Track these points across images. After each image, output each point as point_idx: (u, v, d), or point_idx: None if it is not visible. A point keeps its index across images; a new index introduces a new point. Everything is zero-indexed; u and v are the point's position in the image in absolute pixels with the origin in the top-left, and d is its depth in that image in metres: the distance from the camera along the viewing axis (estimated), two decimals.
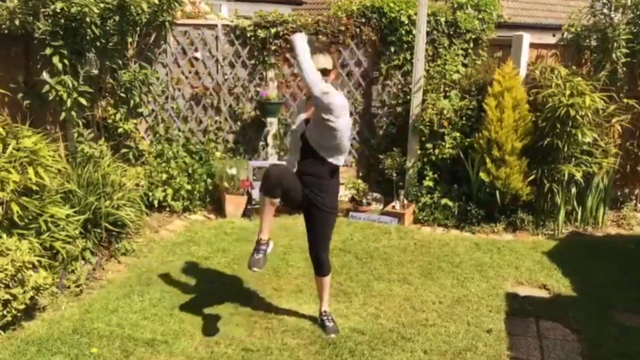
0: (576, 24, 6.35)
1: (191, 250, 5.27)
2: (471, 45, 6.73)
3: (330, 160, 3.56)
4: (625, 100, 6.15)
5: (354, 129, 7.03)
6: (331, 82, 3.57)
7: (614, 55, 6.08)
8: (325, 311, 3.94)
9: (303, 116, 3.71)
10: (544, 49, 6.62)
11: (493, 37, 6.77)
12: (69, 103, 5.18)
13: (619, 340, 3.83)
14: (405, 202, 6.31)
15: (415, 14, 6.35)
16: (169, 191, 6.18)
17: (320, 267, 3.82)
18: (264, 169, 6.31)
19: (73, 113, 5.28)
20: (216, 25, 6.68)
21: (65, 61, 5.14)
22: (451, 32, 6.66)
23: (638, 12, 6.12)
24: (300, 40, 3.38)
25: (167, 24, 6.25)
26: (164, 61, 6.57)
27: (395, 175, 6.45)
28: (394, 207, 6.29)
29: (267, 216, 3.60)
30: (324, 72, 3.48)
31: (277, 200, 3.56)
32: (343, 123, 3.45)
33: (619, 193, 6.62)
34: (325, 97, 3.31)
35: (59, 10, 4.94)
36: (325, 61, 3.53)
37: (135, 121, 6.21)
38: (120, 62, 5.86)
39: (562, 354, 3.67)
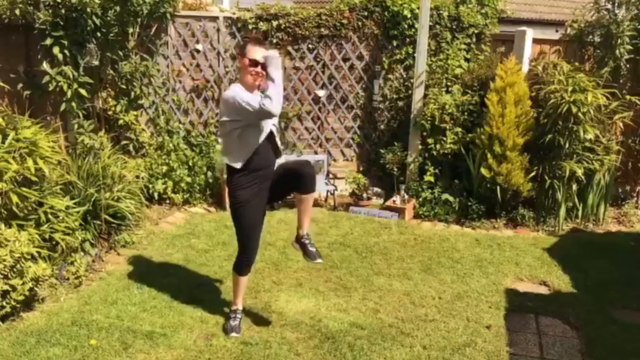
0: (580, 19, 6.31)
1: (191, 243, 5.26)
2: (474, 40, 6.69)
3: None
4: (627, 97, 6.12)
5: (355, 123, 7.02)
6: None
7: (617, 52, 6.05)
8: (307, 234, 3.75)
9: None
10: (547, 44, 6.59)
11: (496, 32, 6.74)
12: (69, 94, 5.16)
13: (618, 337, 3.82)
14: (406, 197, 6.29)
15: (418, 8, 6.32)
16: (169, 183, 6.17)
17: (312, 180, 3.58)
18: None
19: (73, 104, 5.27)
20: (218, 17, 6.64)
21: (66, 52, 5.12)
22: (454, 27, 6.63)
23: None
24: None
25: (168, 15, 6.22)
26: (165, 53, 6.53)
27: (396, 170, 6.43)
28: (394, 201, 6.28)
29: (244, 288, 3.85)
30: (264, 66, 3.40)
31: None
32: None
33: (620, 190, 6.60)
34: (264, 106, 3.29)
35: (59, 0, 4.92)
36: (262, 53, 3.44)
37: (135, 113, 6.19)
38: (121, 53, 5.84)
39: (562, 351, 3.67)
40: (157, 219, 5.86)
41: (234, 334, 3.67)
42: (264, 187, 3.61)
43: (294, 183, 3.62)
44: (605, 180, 6.07)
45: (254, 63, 3.41)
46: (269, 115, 3.33)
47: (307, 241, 3.73)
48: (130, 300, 4.09)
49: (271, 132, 3.57)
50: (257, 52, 3.41)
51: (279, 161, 3.71)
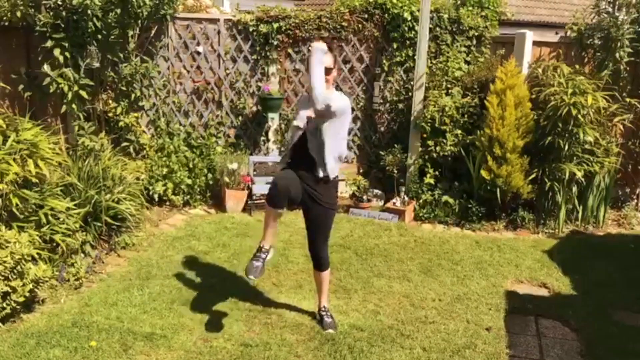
0: (580, 22, 6.32)
1: (191, 245, 5.26)
2: (474, 42, 6.70)
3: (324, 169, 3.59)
4: (627, 99, 6.13)
5: (355, 125, 7.03)
6: (332, 80, 3.58)
7: (617, 55, 6.05)
8: (324, 306, 3.93)
9: (307, 113, 3.63)
10: (547, 47, 6.59)
11: (496, 35, 6.75)
12: (69, 96, 5.17)
13: (619, 339, 3.83)
14: (406, 199, 6.30)
15: (418, 11, 6.33)
16: (170, 185, 6.18)
17: (320, 262, 3.82)
18: (264, 164, 6.40)
19: (74, 106, 5.27)
20: (218, 20, 6.66)
21: (67, 54, 5.13)
22: (454, 29, 6.64)
23: None
24: (320, 53, 3.38)
25: (168, 17, 6.23)
26: (165, 55, 6.55)
27: (396, 172, 6.44)
28: (394, 203, 6.28)
29: (271, 226, 3.60)
30: (326, 71, 3.44)
31: (283, 211, 3.60)
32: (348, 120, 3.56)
33: (620, 192, 6.60)
34: (328, 107, 3.38)
35: (60, 3, 4.93)
36: (328, 60, 3.48)
37: (136, 115, 6.20)
38: (121, 55, 5.84)
39: (562, 353, 3.67)
40: (157, 221, 5.87)
41: (251, 276, 3.48)
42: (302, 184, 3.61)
43: (310, 247, 3.86)
44: (605, 182, 6.07)
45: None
46: (314, 101, 3.40)
47: (323, 313, 3.91)
48: (130, 302, 4.09)
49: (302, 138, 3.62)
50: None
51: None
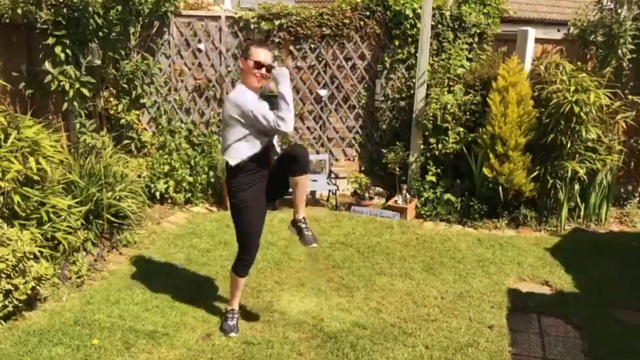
0: (582, 19, 6.30)
1: (193, 243, 5.26)
2: (476, 39, 6.68)
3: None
4: (630, 96, 6.11)
5: (357, 122, 7.01)
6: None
7: (619, 52, 6.04)
8: (303, 218, 3.66)
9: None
10: (549, 44, 6.58)
11: (498, 32, 6.73)
12: (71, 93, 5.16)
13: (621, 337, 3.81)
14: (408, 196, 6.29)
15: (420, 8, 6.32)
16: (171, 183, 6.17)
17: (306, 160, 3.51)
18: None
19: (75, 103, 5.27)
20: (220, 17, 6.64)
21: (68, 51, 5.12)
22: (456, 26, 6.62)
23: None
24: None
25: (169, 14, 6.22)
26: (166, 52, 6.53)
27: (398, 169, 6.43)
28: (396, 201, 6.27)
29: (240, 291, 3.84)
30: (269, 69, 3.46)
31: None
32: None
33: (622, 190, 6.59)
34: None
35: (61, 0, 4.91)
36: (270, 56, 3.53)
37: (137, 112, 6.19)
38: (122, 52, 5.83)
39: (564, 351, 3.66)
40: (158, 219, 5.86)
41: (233, 334, 3.67)
42: (263, 186, 3.60)
43: (287, 167, 3.52)
44: (607, 180, 6.06)
45: (259, 65, 3.43)
46: (282, 134, 3.55)
47: (303, 225, 3.64)
48: (132, 300, 4.08)
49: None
50: (261, 54, 3.44)
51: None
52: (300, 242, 3.67)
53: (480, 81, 6.27)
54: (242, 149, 3.46)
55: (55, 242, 4.30)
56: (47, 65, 5.07)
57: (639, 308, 4.27)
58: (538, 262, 5.03)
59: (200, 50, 6.65)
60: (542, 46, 6.53)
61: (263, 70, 3.45)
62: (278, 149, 3.72)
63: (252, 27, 6.57)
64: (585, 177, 5.86)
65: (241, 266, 3.71)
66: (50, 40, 5.02)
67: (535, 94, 5.93)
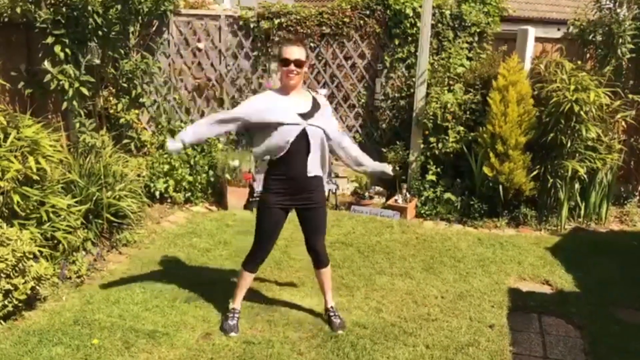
0: (582, 18, 6.30)
1: (193, 242, 5.25)
2: (476, 38, 6.67)
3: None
4: (630, 95, 6.11)
5: (356, 122, 7.01)
6: (303, 76, 3.52)
7: (619, 51, 6.03)
8: (332, 307, 3.87)
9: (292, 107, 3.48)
10: (549, 43, 6.57)
11: (498, 31, 6.72)
12: (70, 93, 5.15)
13: (622, 336, 3.81)
14: (408, 196, 6.28)
15: (420, 7, 6.31)
16: (171, 182, 6.16)
17: (321, 258, 3.77)
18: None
19: (75, 103, 5.26)
20: (219, 16, 6.64)
21: (67, 50, 5.11)
22: (456, 25, 6.61)
23: None
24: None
25: (168, 13, 6.21)
26: (166, 51, 6.53)
27: (398, 168, 6.42)
28: (396, 200, 6.27)
29: (247, 287, 3.81)
30: (299, 64, 3.40)
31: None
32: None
33: (622, 189, 6.58)
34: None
35: None
36: (301, 52, 3.43)
37: (137, 112, 6.18)
38: (122, 51, 5.82)
39: (565, 350, 3.66)
40: (158, 218, 5.86)
41: (233, 334, 3.65)
42: (291, 202, 3.59)
43: (308, 245, 3.77)
44: (607, 179, 6.06)
45: (285, 62, 3.40)
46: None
47: (331, 314, 3.84)
48: (132, 300, 4.08)
49: (301, 139, 3.42)
50: (286, 51, 3.41)
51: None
52: (330, 328, 3.80)
53: (480, 80, 6.26)
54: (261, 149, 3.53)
55: (55, 241, 4.29)
56: (47, 65, 5.06)
57: (639, 307, 4.27)
58: (538, 262, 5.02)
59: (199, 50, 6.65)
60: (542, 45, 6.53)
61: (291, 67, 3.39)
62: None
63: (251, 26, 6.56)
64: (585, 176, 5.85)
65: (248, 259, 3.72)
66: (50, 40, 5.01)
67: (535, 93, 5.93)
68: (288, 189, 3.53)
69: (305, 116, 3.43)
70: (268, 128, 3.39)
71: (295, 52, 3.39)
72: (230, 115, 3.53)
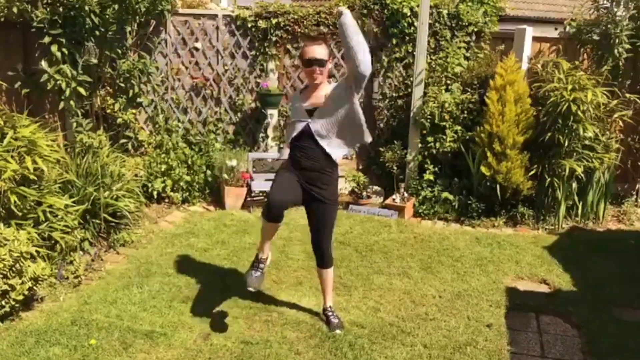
0: (579, 18, 6.31)
1: (190, 242, 5.24)
2: (473, 38, 6.68)
3: (334, 155, 3.52)
4: (627, 95, 6.12)
5: None
6: (327, 73, 3.52)
7: (615, 51, 6.04)
8: (330, 307, 3.88)
9: (304, 105, 3.56)
10: (546, 42, 6.58)
11: (495, 30, 6.73)
12: (67, 92, 5.13)
13: (620, 335, 3.82)
14: (406, 195, 6.28)
15: (418, 6, 6.30)
16: (168, 182, 6.15)
17: (324, 259, 3.77)
18: (263, 161, 6.38)
19: (72, 102, 5.24)
20: (217, 15, 6.62)
21: (64, 50, 5.09)
22: (453, 25, 6.61)
23: None
24: (351, 18, 3.22)
25: (165, 12, 6.19)
26: (163, 51, 6.51)
27: (395, 168, 6.42)
28: (394, 200, 6.27)
29: (268, 236, 3.63)
30: (321, 64, 3.41)
31: (281, 223, 3.57)
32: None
33: (619, 188, 6.60)
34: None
35: None
36: (322, 52, 3.43)
37: (134, 111, 6.16)
38: (119, 51, 5.81)
39: (563, 349, 3.66)
40: (156, 218, 5.84)
41: (250, 288, 3.54)
42: (305, 181, 3.57)
43: (313, 242, 3.77)
44: (605, 178, 6.07)
45: (307, 63, 3.41)
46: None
47: (329, 313, 3.85)
48: (129, 300, 4.07)
49: (306, 133, 3.50)
50: (307, 52, 3.40)
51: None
52: (327, 327, 3.80)
53: (477, 80, 6.27)
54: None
55: (52, 241, 4.28)
56: (44, 64, 5.04)
57: (637, 306, 4.28)
58: (536, 261, 5.03)
59: (197, 49, 6.63)
60: (539, 45, 6.53)
61: (314, 67, 3.39)
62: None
63: (249, 25, 6.55)
64: (582, 175, 5.86)
65: (265, 210, 3.56)
66: (47, 39, 4.99)
67: (533, 92, 5.94)
68: (302, 170, 3.54)
69: (311, 112, 3.49)
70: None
71: (317, 51, 3.40)
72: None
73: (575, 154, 5.87)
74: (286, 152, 3.67)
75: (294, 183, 3.54)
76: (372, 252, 5.13)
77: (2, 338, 3.52)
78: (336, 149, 3.53)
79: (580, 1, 6.39)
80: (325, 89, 3.52)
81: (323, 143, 3.48)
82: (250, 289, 3.55)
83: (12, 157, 4.01)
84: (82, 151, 5.27)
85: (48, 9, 4.96)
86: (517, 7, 8.31)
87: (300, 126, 3.52)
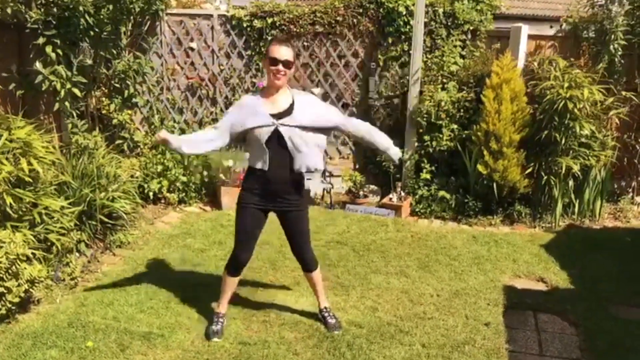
0: (574, 15, 6.31)
1: (187, 243, 5.23)
2: (469, 36, 6.66)
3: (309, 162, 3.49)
4: (623, 92, 6.12)
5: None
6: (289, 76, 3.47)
7: (611, 47, 6.04)
8: (325, 307, 3.87)
9: (268, 109, 3.41)
10: (542, 40, 6.58)
11: (491, 29, 6.72)
12: (62, 93, 5.11)
13: (618, 332, 3.82)
14: (402, 194, 6.28)
15: (414, 5, 6.30)
16: (165, 183, 6.14)
17: (308, 263, 3.76)
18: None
19: (67, 104, 5.21)
20: (212, 15, 6.61)
21: (59, 51, 5.06)
22: (449, 23, 6.60)
23: (637, 4, 6.08)
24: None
25: (160, 12, 6.17)
26: (158, 51, 6.50)
27: (392, 167, 6.42)
28: (391, 199, 6.26)
29: (230, 292, 3.77)
30: (286, 64, 3.37)
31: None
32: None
33: (616, 186, 6.60)
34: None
35: None
36: (290, 53, 3.39)
37: (130, 112, 6.14)
38: (114, 51, 5.78)
39: (561, 347, 3.66)
40: (152, 219, 5.83)
41: (215, 339, 3.59)
42: (270, 206, 3.55)
43: (294, 251, 3.77)
44: (601, 176, 6.07)
45: (274, 61, 3.35)
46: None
47: (325, 314, 3.84)
48: (126, 301, 4.05)
49: (274, 139, 3.38)
50: (276, 50, 3.35)
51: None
52: (325, 328, 3.78)
53: (474, 78, 6.26)
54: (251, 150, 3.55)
55: (49, 243, 4.26)
56: (38, 66, 5.02)
57: (634, 303, 4.28)
58: (533, 259, 5.03)
59: (192, 49, 6.62)
60: (535, 42, 6.53)
61: (279, 67, 3.34)
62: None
63: (244, 25, 6.53)
64: (579, 173, 5.86)
65: (229, 262, 3.72)
66: (41, 40, 4.96)
67: (529, 90, 5.94)
68: (265, 189, 3.48)
69: (278, 116, 3.39)
70: (248, 135, 3.41)
71: (284, 52, 3.35)
72: (218, 133, 3.47)
73: (571, 151, 5.87)
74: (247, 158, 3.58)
75: (259, 222, 3.60)
76: (370, 251, 5.12)
77: None
78: (308, 157, 3.46)
79: None
80: (287, 94, 3.48)
81: (292, 149, 3.41)
82: (215, 339, 3.60)
83: (7, 158, 3.98)
84: (77, 152, 5.25)
85: (42, 10, 4.94)
86: (513, 5, 8.33)
87: (267, 131, 3.38)
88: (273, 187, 3.47)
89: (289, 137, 3.37)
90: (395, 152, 3.75)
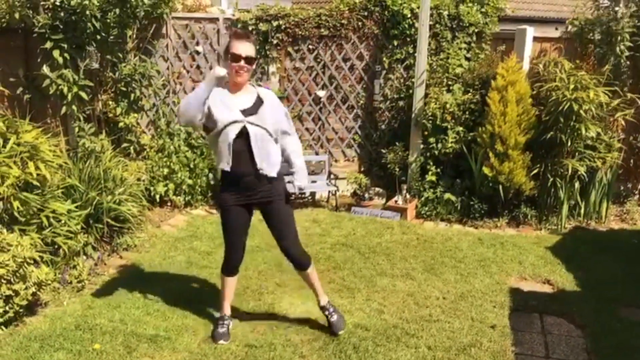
0: (580, 17, 6.30)
1: (193, 245, 5.24)
2: (474, 38, 6.68)
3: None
4: (629, 94, 6.10)
5: (356, 123, 7.01)
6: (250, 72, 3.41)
7: (617, 49, 6.03)
8: (326, 304, 3.79)
9: (236, 104, 3.36)
10: (548, 42, 6.58)
11: (496, 31, 6.72)
12: (69, 97, 5.14)
13: (624, 335, 3.80)
14: (408, 196, 6.28)
15: (418, 7, 6.31)
16: (171, 186, 6.16)
17: (299, 261, 3.66)
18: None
19: (74, 107, 5.25)
20: (217, 19, 6.64)
21: (66, 55, 5.11)
22: (454, 26, 6.61)
23: None
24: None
25: (165, 16, 6.20)
26: (164, 55, 6.52)
27: (397, 169, 6.42)
28: (396, 201, 6.26)
29: (230, 294, 3.77)
30: (249, 61, 3.31)
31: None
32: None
33: (622, 188, 6.58)
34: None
35: (58, 3, 4.90)
36: (252, 49, 3.33)
37: (136, 115, 6.17)
38: (120, 55, 5.82)
39: (567, 350, 3.65)
40: (158, 222, 5.85)
41: (222, 342, 3.59)
42: (247, 199, 3.49)
43: (281, 247, 3.65)
44: (607, 177, 6.06)
45: (236, 57, 3.27)
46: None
47: (326, 312, 3.77)
48: (133, 304, 4.07)
49: (241, 136, 3.32)
50: (237, 46, 3.28)
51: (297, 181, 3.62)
52: (329, 327, 3.76)
53: (479, 80, 6.26)
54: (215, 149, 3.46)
55: (56, 246, 4.29)
56: (45, 69, 5.06)
57: None
58: (539, 261, 5.02)
59: (198, 53, 6.64)
60: (540, 45, 6.53)
61: (242, 63, 3.27)
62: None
63: (250, 28, 6.56)
64: (585, 175, 5.85)
65: (223, 264, 3.70)
66: (48, 44, 5.00)
67: (535, 92, 5.93)
68: (241, 186, 3.43)
69: (245, 112, 3.34)
70: (215, 129, 3.32)
71: (246, 48, 3.29)
72: (200, 93, 3.31)
73: (577, 153, 5.86)
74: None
75: (244, 221, 3.57)
76: (375, 253, 5.12)
77: (7, 343, 3.52)
78: (270, 155, 3.43)
79: (580, 0, 6.38)
80: (250, 91, 3.44)
81: (255, 146, 3.36)
82: (222, 342, 3.60)
83: (14, 162, 4.01)
84: (84, 156, 5.29)
85: (49, 14, 4.98)
86: (518, 7, 8.33)
87: (236, 127, 3.32)
88: (243, 182, 3.42)
89: (254, 135, 3.32)
90: (298, 181, 3.59)
